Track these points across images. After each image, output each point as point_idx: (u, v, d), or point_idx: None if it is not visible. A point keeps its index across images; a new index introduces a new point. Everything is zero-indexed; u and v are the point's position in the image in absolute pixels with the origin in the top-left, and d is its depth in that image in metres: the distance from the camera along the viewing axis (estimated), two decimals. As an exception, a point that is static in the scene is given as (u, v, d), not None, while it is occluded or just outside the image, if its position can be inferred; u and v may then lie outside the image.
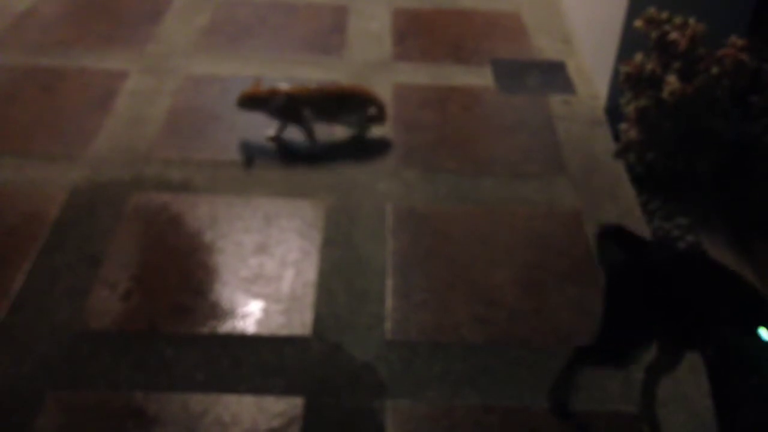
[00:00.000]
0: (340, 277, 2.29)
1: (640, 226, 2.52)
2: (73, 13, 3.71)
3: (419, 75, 3.32)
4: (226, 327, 2.12)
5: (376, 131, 2.92)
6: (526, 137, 2.96)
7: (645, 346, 1.73)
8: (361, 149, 2.84)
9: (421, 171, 2.75)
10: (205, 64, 3.32)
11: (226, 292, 2.23)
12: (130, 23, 3.59)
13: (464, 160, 2.81)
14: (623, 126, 2.68)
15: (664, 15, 2.55)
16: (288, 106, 2.82)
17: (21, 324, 2.09)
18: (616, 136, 2.83)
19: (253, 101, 2.84)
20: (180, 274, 2.28)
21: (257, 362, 2.03)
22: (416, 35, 3.64)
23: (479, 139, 2.94)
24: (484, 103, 3.15)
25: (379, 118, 2.90)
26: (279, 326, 2.13)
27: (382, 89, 3.19)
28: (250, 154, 2.78)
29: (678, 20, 2.53)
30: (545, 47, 3.56)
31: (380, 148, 2.85)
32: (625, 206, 2.61)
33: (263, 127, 2.89)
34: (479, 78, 3.30)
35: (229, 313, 2.16)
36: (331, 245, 2.40)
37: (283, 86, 2.86)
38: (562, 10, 3.86)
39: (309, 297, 2.21)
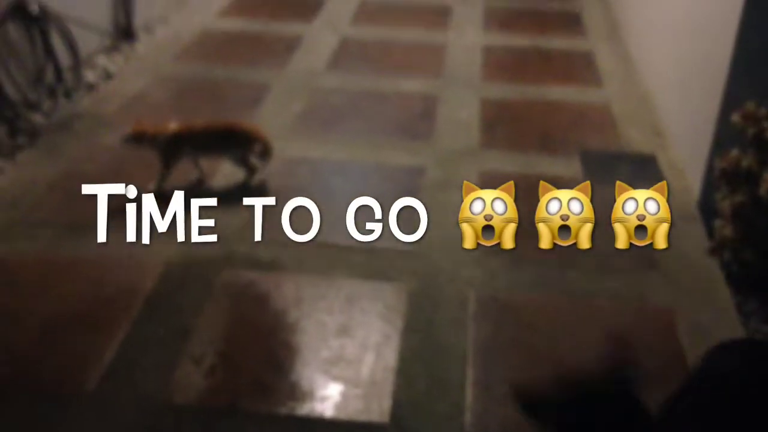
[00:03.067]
0: (420, 363, 2.27)
1: (735, 328, 2.41)
2: (181, 96, 3.95)
3: (506, 163, 3.34)
4: (304, 408, 2.12)
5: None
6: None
7: None
8: (446, 235, 2.85)
9: (506, 259, 2.73)
10: (299, 147, 3.45)
11: (307, 372, 2.24)
12: (233, 107, 3.79)
13: (549, 251, 2.77)
14: (718, 222, 2.60)
15: (763, 111, 2.50)
16: (171, 143, 2.97)
17: (109, 393, 2.15)
18: (710, 233, 2.74)
19: (140, 138, 2.98)
20: (263, 352, 2.31)
21: (334, 446, 2.01)
22: (504, 124, 3.68)
23: (566, 229, 2.91)
24: (571, 194, 3.13)
25: (265, 154, 3.05)
26: (357, 411, 2.12)
27: (469, 176, 3.21)
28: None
29: (776, 117, 2.47)
30: (636, 139, 3.53)
31: (465, 234, 2.86)
32: (720, 306, 2.51)
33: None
34: (567, 168, 3.29)
35: (308, 394, 2.16)
36: (413, 330, 2.40)
37: (172, 125, 3.03)
38: (653, 103, 3.84)
39: (388, 383, 2.20)
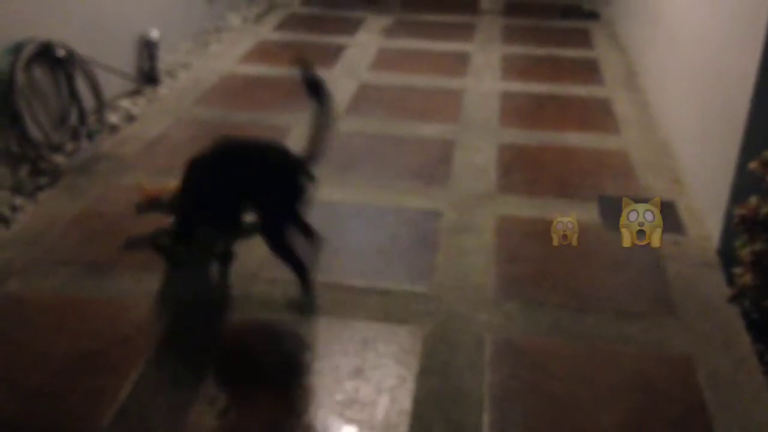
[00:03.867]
0: (435, 407, 2.24)
1: (755, 376, 2.36)
2: (201, 138, 3.98)
3: (523, 208, 3.35)
4: (318, 451, 2.10)
5: (476, 263, 2.93)
6: (633, 275, 2.89)
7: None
8: (462, 278, 2.84)
9: (522, 303, 2.71)
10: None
11: (321, 414, 2.22)
12: (250, 150, 3.82)
13: (567, 295, 2.76)
14: (737, 270, 2.58)
15: (781, 159, 2.50)
16: (174, 200, 2.95)
17: (123, 432, 2.15)
18: (730, 280, 2.71)
19: (149, 204, 3.07)
20: (277, 393, 2.30)
21: (347, 491, 1.98)
22: (521, 170, 3.69)
23: (584, 274, 2.89)
24: (588, 239, 3.12)
25: None
26: (371, 455, 2.09)
27: (486, 220, 3.22)
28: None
29: (795, 164, 2.47)
30: (654, 186, 3.53)
31: (481, 278, 2.85)
32: (739, 354, 2.47)
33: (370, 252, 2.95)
34: (584, 213, 3.28)
35: (321, 437, 2.14)
36: (428, 373, 2.38)
37: (171, 183, 3.00)
38: (671, 150, 3.84)
39: (403, 426, 2.17)
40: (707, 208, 3.19)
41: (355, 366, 2.40)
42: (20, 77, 3.43)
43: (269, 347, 2.51)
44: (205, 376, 2.34)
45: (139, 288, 2.76)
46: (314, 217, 3.23)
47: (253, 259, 2.93)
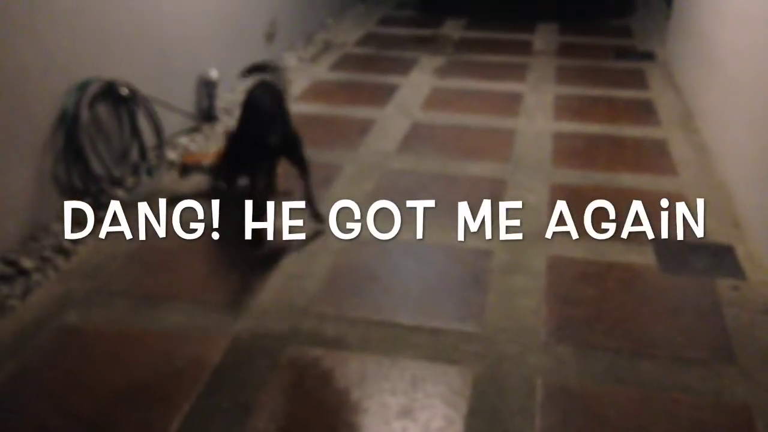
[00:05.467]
0: (484, 451, 2.21)
1: (823, 429, 2.27)
2: (254, 175, 4.07)
3: (576, 249, 3.30)
4: (364, 491, 2.08)
5: (527, 304, 2.90)
6: (690, 320, 2.82)
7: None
8: (513, 319, 2.81)
9: (575, 347, 2.66)
10: (368, 226, 3.49)
11: (368, 454, 2.21)
12: (303, 187, 3.88)
13: (622, 339, 2.70)
14: (800, 316, 2.50)
15: None
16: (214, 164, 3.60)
17: (172, 465, 2.16)
18: (793, 327, 2.62)
19: (191, 167, 3.79)
20: (325, 430, 2.29)
21: None
22: (574, 210, 3.65)
23: (639, 318, 2.83)
24: (644, 282, 3.06)
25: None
26: (418, 497, 2.06)
27: (538, 260, 3.19)
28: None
29: None
30: (711, 230, 3.45)
31: (533, 320, 2.81)
32: (805, 405, 2.37)
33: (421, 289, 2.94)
34: (640, 256, 3.22)
35: (369, 477, 2.12)
36: (477, 416, 2.34)
37: (212, 150, 3.47)
38: (730, 194, 3.76)
39: (451, 469, 2.14)
40: (767, 253, 3.10)
41: (403, 405, 2.39)
42: (84, 114, 3.56)
43: (318, 383, 2.51)
44: (254, 411, 2.36)
45: (192, 321, 2.81)
46: (366, 253, 3.26)
47: (303, 293, 2.96)
